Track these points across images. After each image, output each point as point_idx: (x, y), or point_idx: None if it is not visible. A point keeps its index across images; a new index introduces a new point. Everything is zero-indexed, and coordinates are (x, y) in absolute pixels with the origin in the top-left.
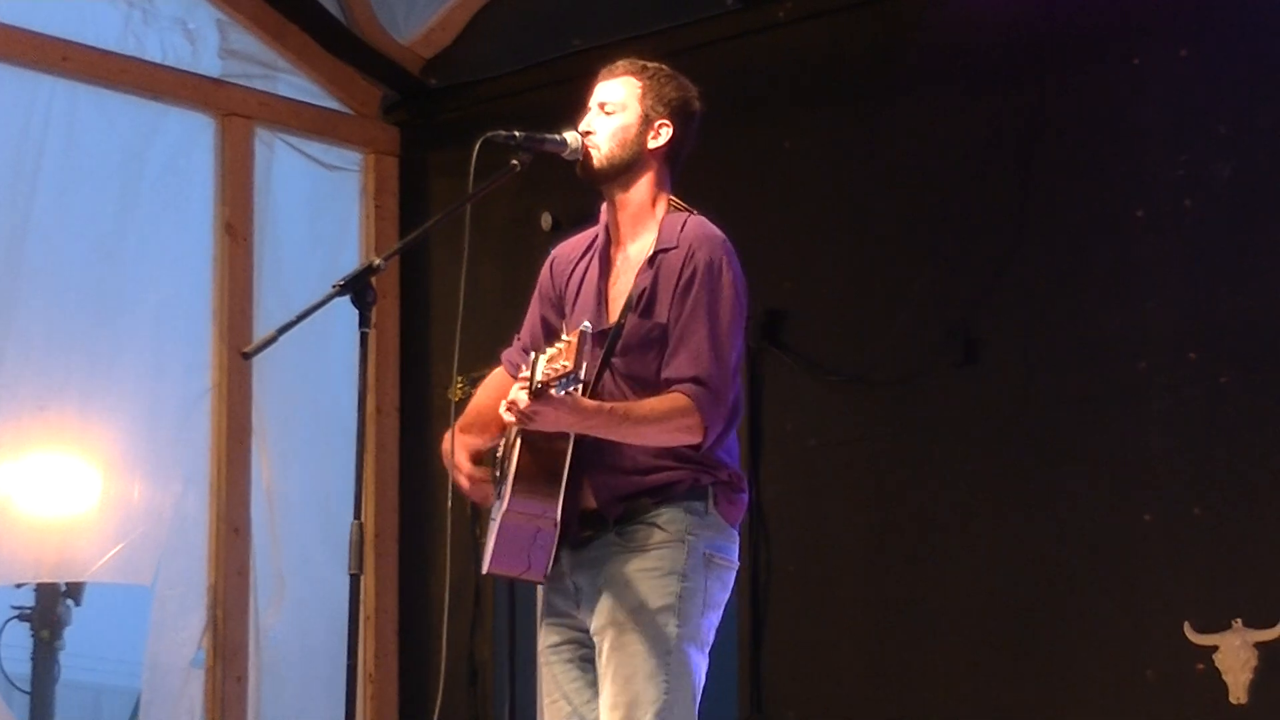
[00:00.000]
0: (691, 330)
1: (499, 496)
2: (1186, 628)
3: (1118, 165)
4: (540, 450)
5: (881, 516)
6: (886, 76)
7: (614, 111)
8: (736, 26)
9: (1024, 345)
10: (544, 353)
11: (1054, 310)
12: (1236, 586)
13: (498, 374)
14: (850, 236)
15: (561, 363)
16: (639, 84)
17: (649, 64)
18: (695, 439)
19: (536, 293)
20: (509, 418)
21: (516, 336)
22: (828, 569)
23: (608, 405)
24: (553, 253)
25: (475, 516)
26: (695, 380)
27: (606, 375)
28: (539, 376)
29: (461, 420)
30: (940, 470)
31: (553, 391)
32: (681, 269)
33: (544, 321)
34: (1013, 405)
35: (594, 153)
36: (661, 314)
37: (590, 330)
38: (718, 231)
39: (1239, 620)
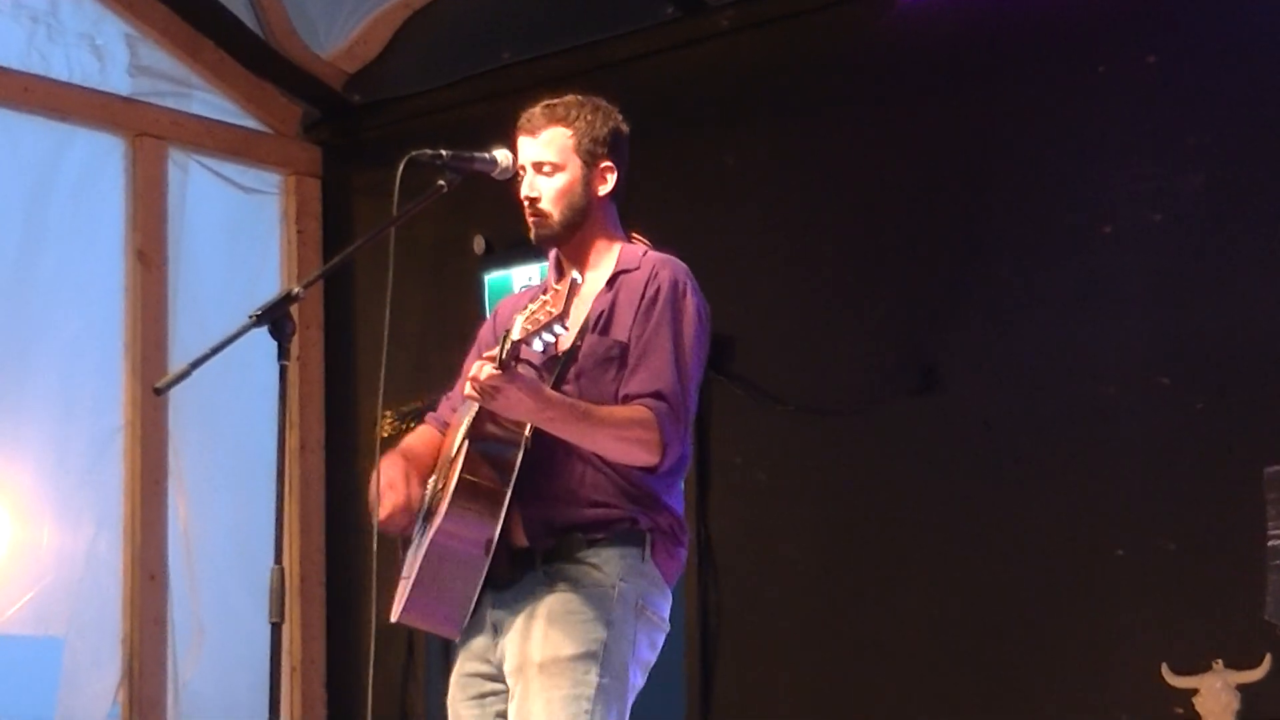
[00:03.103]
0: (654, 347)
1: (421, 533)
2: (1164, 669)
3: (1082, 179)
4: (489, 460)
5: (836, 554)
6: (836, 88)
7: (552, 172)
8: (675, 37)
9: (985, 371)
10: (521, 312)
11: (1016, 333)
12: (1216, 625)
13: (424, 429)
14: (799, 257)
15: (547, 309)
16: (568, 133)
17: (566, 105)
18: (652, 457)
19: (475, 347)
20: (469, 393)
21: (445, 396)
22: (779, 607)
23: (570, 399)
24: (496, 305)
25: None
26: (657, 395)
27: None
28: (516, 334)
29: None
30: (898, 505)
31: (532, 344)
32: (645, 287)
33: None
34: (974, 435)
35: (544, 221)
36: (621, 332)
37: (580, 280)
38: (681, 262)
39: (1219, 661)
